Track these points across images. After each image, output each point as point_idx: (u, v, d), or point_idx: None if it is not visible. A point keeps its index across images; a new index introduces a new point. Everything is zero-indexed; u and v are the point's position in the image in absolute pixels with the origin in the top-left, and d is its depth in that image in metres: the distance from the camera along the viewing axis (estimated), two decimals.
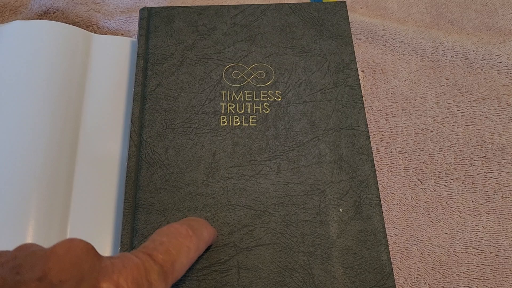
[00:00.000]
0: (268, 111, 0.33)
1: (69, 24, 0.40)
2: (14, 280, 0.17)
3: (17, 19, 0.41)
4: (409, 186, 0.35)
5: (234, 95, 0.33)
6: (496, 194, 0.34)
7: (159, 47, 0.35)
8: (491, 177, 0.35)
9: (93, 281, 0.18)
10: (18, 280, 0.17)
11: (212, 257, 0.28)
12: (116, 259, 0.20)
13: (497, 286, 0.31)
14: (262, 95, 0.33)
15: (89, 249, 0.19)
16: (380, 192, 0.34)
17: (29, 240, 0.29)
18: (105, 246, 0.31)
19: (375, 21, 0.41)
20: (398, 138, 0.37)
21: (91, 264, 0.19)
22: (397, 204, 0.34)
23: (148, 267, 0.21)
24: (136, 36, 0.40)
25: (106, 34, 0.41)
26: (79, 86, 0.36)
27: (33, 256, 0.18)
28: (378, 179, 0.35)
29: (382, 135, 0.37)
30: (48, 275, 0.17)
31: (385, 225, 0.33)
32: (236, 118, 0.33)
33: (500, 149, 0.36)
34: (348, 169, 0.31)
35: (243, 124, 0.32)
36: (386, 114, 0.38)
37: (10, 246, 0.29)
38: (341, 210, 0.30)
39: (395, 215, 0.34)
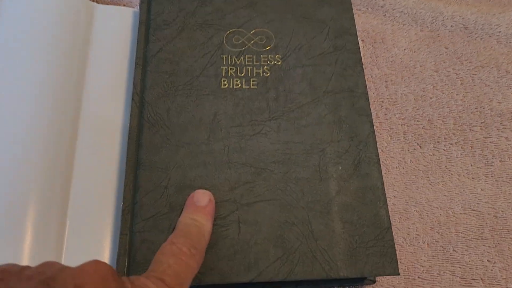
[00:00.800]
0: (268, 74, 0.33)
1: None
2: None
3: None
4: (408, 150, 0.35)
5: (234, 59, 0.34)
6: (495, 158, 0.35)
7: (161, 14, 0.36)
8: (489, 142, 0.35)
9: None
10: None
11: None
12: (136, 280, 0.22)
13: (495, 246, 0.32)
14: (262, 59, 0.34)
15: (114, 272, 0.21)
16: (379, 156, 0.35)
17: (32, 201, 0.30)
18: (107, 205, 0.31)
19: None
20: (398, 104, 0.37)
21: (117, 285, 0.20)
22: (396, 167, 0.35)
23: (165, 279, 0.22)
24: (138, 6, 0.40)
25: (108, 4, 0.42)
26: (82, 54, 0.37)
27: (63, 272, 0.19)
28: (377, 143, 0.35)
29: (382, 101, 0.37)
30: None
31: (385, 187, 0.34)
32: (237, 80, 0.33)
33: (499, 115, 0.36)
34: (348, 129, 0.31)
35: (244, 86, 0.33)
36: (385, 81, 0.38)
37: (11, 223, 0.29)
38: (340, 168, 0.30)
39: (394, 178, 0.34)
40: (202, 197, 0.28)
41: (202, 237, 0.26)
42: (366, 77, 0.38)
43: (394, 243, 0.28)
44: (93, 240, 0.30)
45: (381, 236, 0.28)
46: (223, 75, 0.33)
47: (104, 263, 0.21)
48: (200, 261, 0.26)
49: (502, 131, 0.36)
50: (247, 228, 0.28)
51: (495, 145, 0.35)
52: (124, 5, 0.41)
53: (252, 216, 0.29)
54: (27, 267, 0.20)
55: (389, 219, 0.29)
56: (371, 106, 0.37)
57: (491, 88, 0.37)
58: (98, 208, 0.31)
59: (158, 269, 0.23)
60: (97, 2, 0.42)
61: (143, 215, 0.29)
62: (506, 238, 0.32)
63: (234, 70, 0.33)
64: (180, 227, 0.26)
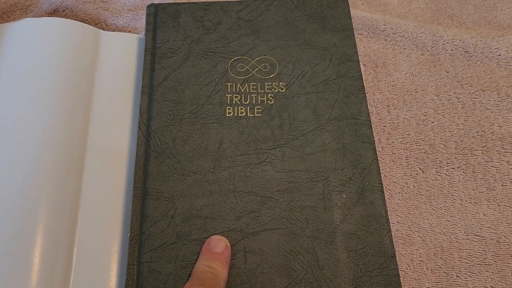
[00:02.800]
0: (272, 102, 0.34)
1: (78, 21, 0.41)
2: None
3: (27, 17, 0.42)
4: (410, 175, 0.36)
5: (239, 87, 0.34)
6: (496, 183, 0.35)
7: (166, 42, 0.36)
8: (491, 166, 0.36)
9: None
10: None
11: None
12: None
13: (498, 271, 0.32)
14: (266, 87, 0.34)
15: None
16: (382, 181, 0.35)
17: (40, 229, 0.30)
18: (114, 233, 0.32)
19: (376, 16, 0.42)
20: (400, 129, 0.37)
21: None
22: (399, 192, 0.35)
23: None
24: (143, 32, 0.41)
25: (114, 31, 0.42)
26: (88, 81, 0.37)
27: None
28: (380, 168, 0.36)
29: (384, 126, 0.38)
30: None
31: (388, 212, 0.34)
32: (241, 108, 0.34)
33: (500, 139, 0.37)
34: (351, 156, 0.32)
35: (249, 114, 0.33)
36: (387, 106, 0.38)
37: (18, 251, 0.29)
38: (344, 196, 0.30)
39: (397, 203, 0.35)
40: (219, 244, 0.28)
41: (218, 284, 0.26)
42: (368, 102, 0.39)
43: (398, 272, 0.28)
44: (101, 269, 0.31)
45: (386, 265, 0.28)
46: (228, 102, 0.34)
47: None
48: None
49: (503, 155, 0.36)
50: (253, 258, 0.29)
51: (496, 169, 0.36)
52: (129, 31, 0.42)
53: (258, 245, 0.29)
54: None
55: (393, 247, 0.29)
56: (373, 131, 0.37)
57: (491, 112, 0.38)
58: (105, 237, 0.31)
59: None
60: (103, 29, 0.42)
61: (150, 245, 0.29)
62: (509, 263, 0.32)
63: (238, 98, 0.34)
64: (197, 274, 0.27)
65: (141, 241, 0.29)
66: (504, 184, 0.35)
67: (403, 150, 0.37)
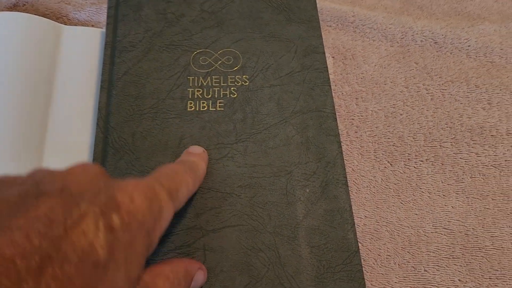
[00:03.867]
0: (235, 95, 0.33)
1: (39, 16, 0.40)
2: (37, 191, 0.18)
3: None
4: (379, 168, 0.35)
5: (201, 81, 0.33)
6: (465, 175, 0.35)
7: (127, 35, 0.35)
8: (460, 158, 0.35)
9: (110, 194, 0.19)
10: (40, 190, 0.18)
11: (178, 240, 0.28)
12: (128, 180, 0.22)
13: (466, 264, 0.31)
14: (229, 80, 0.33)
15: (103, 171, 0.21)
16: (350, 175, 0.34)
17: None
18: None
19: (345, 7, 0.41)
20: (368, 121, 0.37)
21: (106, 181, 0.21)
22: (367, 186, 0.34)
23: (157, 188, 0.22)
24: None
25: (76, 25, 0.41)
26: (49, 77, 0.36)
27: (51, 175, 0.20)
28: (348, 162, 0.35)
29: (352, 119, 0.37)
30: (68, 187, 0.19)
31: (355, 207, 0.33)
32: (203, 102, 0.33)
33: (469, 130, 0.36)
34: (315, 150, 0.31)
35: (210, 109, 0.32)
36: (356, 98, 0.38)
37: None
38: (307, 190, 0.30)
39: (365, 197, 0.34)
40: (197, 148, 0.30)
41: (197, 168, 0.27)
42: (336, 95, 0.38)
43: (362, 267, 0.28)
44: None
45: (349, 260, 0.28)
46: (190, 97, 0.33)
47: (93, 164, 0.21)
48: (197, 185, 0.27)
49: (472, 147, 0.36)
50: (213, 256, 0.28)
51: (465, 161, 0.35)
52: (92, 26, 0.41)
53: (218, 243, 0.28)
54: (19, 176, 0.20)
55: (357, 242, 0.28)
56: (341, 124, 0.36)
57: (461, 103, 0.37)
58: None
59: (154, 175, 0.24)
60: (65, 24, 0.41)
61: None
62: (477, 256, 0.32)
63: (200, 92, 0.33)
64: (176, 161, 0.28)
65: None
66: (473, 176, 0.35)
67: (372, 143, 0.36)
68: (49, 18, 0.41)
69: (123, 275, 0.19)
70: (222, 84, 0.33)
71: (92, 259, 0.17)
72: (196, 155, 0.29)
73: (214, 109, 0.32)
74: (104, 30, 0.39)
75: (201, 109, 0.32)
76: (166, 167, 0.26)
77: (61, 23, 0.41)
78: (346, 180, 0.30)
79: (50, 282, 0.16)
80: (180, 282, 0.24)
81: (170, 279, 0.23)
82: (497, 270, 0.31)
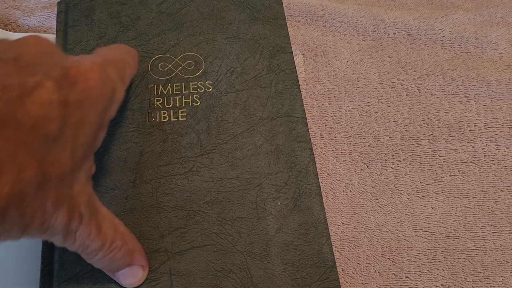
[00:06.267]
0: (198, 103, 0.31)
1: None
2: None
3: None
4: (355, 171, 0.33)
5: (161, 89, 0.31)
6: (444, 173, 0.33)
7: (79, 42, 0.33)
8: (438, 156, 0.34)
9: (65, 69, 0.19)
10: None
11: None
12: (81, 57, 0.22)
13: (449, 268, 0.30)
14: (191, 87, 0.31)
15: (55, 45, 0.21)
16: (325, 180, 0.33)
17: None
18: (29, 264, 0.28)
19: (313, 1, 0.39)
20: (342, 122, 0.35)
21: (60, 55, 0.20)
22: (343, 191, 0.33)
23: (109, 70, 0.23)
24: None
25: (26, 32, 0.38)
26: None
27: (3, 43, 0.19)
28: (322, 166, 0.33)
29: (326, 120, 0.35)
30: (23, 57, 0.18)
31: (332, 214, 0.32)
32: (164, 113, 0.30)
33: (447, 126, 0.35)
34: (286, 158, 0.29)
35: (172, 119, 0.30)
36: (329, 97, 0.36)
37: None
38: (279, 203, 0.28)
39: (342, 203, 0.32)
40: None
41: (130, 51, 0.28)
42: (308, 94, 0.36)
43: (339, 283, 0.26)
44: None
45: (326, 276, 0.26)
46: (149, 107, 0.30)
47: (47, 38, 0.21)
48: (136, 65, 0.28)
49: (450, 143, 0.34)
50: (179, 280, 0.26)
51: (444, 159, 0.34)
52: (44, 32, 0.38)
53: (185, 266, 0.26)
54: None
55: (333, 256, 0.27)
56: (314, 125, 0.35)
57: (437, 98, 0.36)
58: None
59: (101, 52, 0.24)
60: (14, 31, 0.38)
61: (63, 276, 0.26)
62: (459, 258, 0.30)
63: (160, 102, 0.31)
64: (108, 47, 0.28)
65: (53, 271, 0.26)
66: (452, 174, 0.33)
67: (347, 144, 0.34)
68: None
69: (69, 151, 0.19)
70: (183, 92, 0.31)
71: (43, 130, 0.18)
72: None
73: (176, 119, 0.30)
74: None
75: (162, 120, 0.30)
76: (106, 48, 0.26)
77: (9, 30, 0.38)
78: (320, 190, 0.28)
79: (4, 143, 0.16)
80: (120, 248, 0.23)
81: (116, 234, 0.23)
82: (480, 272, 0.30)
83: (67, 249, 0.26)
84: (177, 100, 0.31)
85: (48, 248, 0.26)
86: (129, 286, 0.25)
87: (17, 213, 0.17)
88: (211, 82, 0.31)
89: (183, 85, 0.31)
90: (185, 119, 0.30)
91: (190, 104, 0.31)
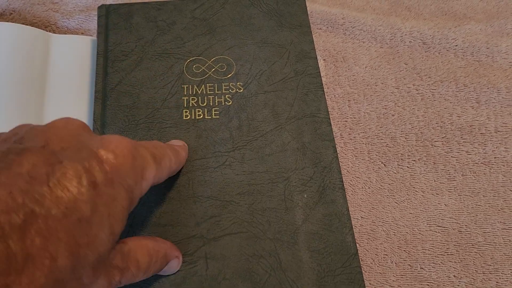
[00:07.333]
0: (230, 103, 0.33)
1: (26, 25, 0.40)
2: (19, 148, 0.18)
3: None
4: (373, 169, 0.36)
5: (196, 89, 0.34)
6: (457, 173, 0.36)
7: (119, 44, 0.35)
8: (451, 157, 0.36)
9: (92, 149, 0.20)
10: (22, 148, 0.18)
11: (179, 249, 0.28)
12: (111, 135, 0.22)
13: (461, 261, 0.32)
14: (224, 87, 0.34)
15: (85, 126, 0.21)
16: (345, 177, 0.35)
17: None
18: None
19: (334, 10, 0.42)
20: (361, 123, 0.37)
21: (88, 136, 0.21)
22: (362, 187, 0.35)
23: (141, 149, 0.23)
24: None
25: (65, 33, 0.41)
26: (39, 87, 0.36)
27: (33, 130, 0.20)
28: (343, 164, 0.36)
29: (345, 121, 0.37)
30: (50, 143, 0.19)
31: (351, 208, 0.34)
32: (198, 111, 0.33)
33: (459, 129, 0.37)
34: (311, 155, 0.31)
35: (206, 117, 0.33)
36: (348, 100, 0.38)
37: None
38: (305, 195, 0.30)
39: (360, 199, 0.35)
40: (177, 141, 0.31)
41: (177, 151, 0.28)
42: (329, 97, 0.38)
43: (361, 269, 0.28)
44: None
45: (348, 263, 0.28)
46: (185, 105, 0.33)
47: (76, 119, 0.21)
48: (177, 164, 0.28)
49: (462, 145, 0.37)
50: (215, 264, 0.28)
51: (456, 160, 0.36)
52: (82, 33, 0.41)
53: (219, 251, 0.28)
54: (2, 133, 0.20)
55: (356, 244, 0.29)
56: (335, 126, 0.37)
57: (450, 103, 0.38)
58: None
59: (138, 142, 0.24)
60: (54, 32, 0.41)
61: None
62: (471, 252, 0.33)
63: (195, 100, 0.33)
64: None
65: None
66: (464, 174, 0.36)
67: (365, 144, 0.37)
68: (37, 27, 0.40)
69: (107, 229, 0.19)
70: (216, 92, 0.33)
71: (76, 215, 0.18)
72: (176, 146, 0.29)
73: (210, 117, 0.32)
74: (94, 38, 0.39)
75: (197, 118, 0.32)
76: (148, 141, 0.26)
77: (49, 31, 0.41)
78: (343, 184, 0.31)
79: (34, 237, 0.16)
80: (157, 261, 0.25)
81: (150, 255, 0.24)
82: (490, 265, 0.32)
83: None
84: (211, 99, 0.33)
85: None
86: (169, 274, 0.27)
87: None
88: (242, 84, 0.34)
89: (215, 85, 0.34)
90: (218, 117, 0.32)
91: (223, 104, 0.33)
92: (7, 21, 0.41)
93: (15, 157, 0.17)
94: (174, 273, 0.27)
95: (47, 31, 0.40)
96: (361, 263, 0.32)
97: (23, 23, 0.40)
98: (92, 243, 0.18)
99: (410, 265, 0.32)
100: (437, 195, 0.35)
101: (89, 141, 0.20)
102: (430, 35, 0.41)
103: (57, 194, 0.17)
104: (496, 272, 0.32)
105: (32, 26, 0.40)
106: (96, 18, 0.41)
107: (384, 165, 0.36)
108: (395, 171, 0.36)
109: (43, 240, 0.16)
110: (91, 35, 0.41)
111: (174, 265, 0.27)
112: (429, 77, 0.39)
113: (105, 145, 0.20)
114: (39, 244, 0.16)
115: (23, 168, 0.17)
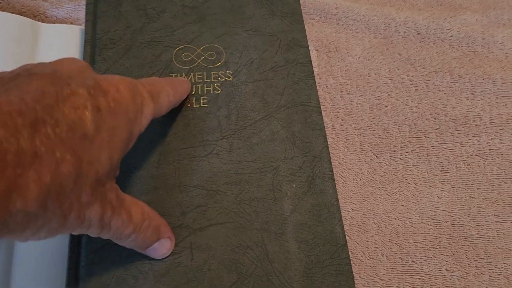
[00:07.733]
0: (219, 91, 0.32)
1: (15, 14, 0.39)
2: (28, 73, 0.19)
3: None
4: (365, 161, 0.35)
5: (184, 77, 0.33)
6: (450, 165, 0.35)
7: (107, 32, 0.35)
8: (445, 148, 0.35)
9: (96, 80, 0.21)
10: (32, 72, 0.20)
11: None
12: (112, 74, 0.24)
13: (453, 254, 0.32)
14: (213, 76, 0.33)
15: (90, 66, 0.23)
16: (336, 169, 0.34)
17: None
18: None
19: (327, 0, 0.41)
20: (353, 114, 0.37)
21: (92, 72, 0.22)
22: (353, 179, 0.34)
23: (140, 86, 0.24)
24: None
25: (54, 23, 0.40)
26: None
27: (42, 63, 0.21)
28: (334, 155, 0.35)
29: (338, 112, 0.37)
30: (58, 71, 0.20)
31: (342, 200, 0.33)
32: (186, 99, 0.32)
33: (453, 120, 0.36)
34: (301, 144, 0.31)
35: (194, 105, 0.32)
36: (341, 91, 0.38)
37: None
38: (294, 185, 0.30)
39: (351, 190, 0.34)
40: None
41: (178, 83, 0.30)
42: (321, 88, 0.38)
43: (350, 260, 0.28)
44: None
45: (337, 254, 0.28)
46: None
47: (81, 60, 0.23)
48: (177, 97, 0.29)
49: (456, 137, 0.36)
50: (200, 254, 0.27)
51: (450, 151, 0.35)
52: (71, 23, 0.40)
53: (205, 241, 0.28)
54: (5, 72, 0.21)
55: (345, 236, 0.28)
56: (327, 117, 0.36)
57: (444, 94, 0.38)
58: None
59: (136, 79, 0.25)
60: (43, 21, 0.40)
61: (91, 247, 0.27)
62: (463, 245, 0.32)
63: None
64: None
65: (81, 243, 0.28)
66: (458, 166, 0.35)
67: (357, 135, 0.36)
68: (26, 16, 0.40)
69: (107, 153, 0.21)
70: (205, 80, 0.33)
71: (81, 130, 0.19)
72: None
73: (198, 105, 0.32)
74: (83, 27, 0.38)
75: (185, 106, 0.32)
76: (147, 78, 0.28)
77: (38, 21, 0.40)
78: (333, 174, 0.30)
79: (43, 138, 0.17)
80: (148, 227, 0.25)
81: (143, 215, 0.24)
82: (483, 259, 0.32)
83: None
84: (199, 88, 0.33)
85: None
86: (161, 257, 0.26)
87: (56, 203, 0.18)
88: (231, 72, 0.33)
89: (204, 74, 0.33)
90: (206, 105, 0.32)
91: (212, 92, 0.32)
92: None
93: (25, 79, 0.19)
94: (158, 261, 0.27)
95: (36, 20, 0.40)
96: (351, 256, 0.32)
97: (11, 12, 0.40)
98: (93, 163, 0.20)
99: (401, 258, 0.32)
100: (430, 187, 0.34)
101: (94, 75, 0.22)
102: (425, 25, 0.40)
103: (64, 109, 0.19)
104: (489, 265, 0.31)
105: (20, 15, 0.40)
106: (84, 7, 0.40)
107: (376, 156, 0.35)
108: (387, 163, 0.35)
109: (51, 144, 0.17)
110: (80, 25, 0.40)
111: (166, 245, 0.27)
112: (423, 68, 0.39)
113: (108, 80, 0.22)
114: (46, 146, 0.17)
115: (33, 86, 0.18)
